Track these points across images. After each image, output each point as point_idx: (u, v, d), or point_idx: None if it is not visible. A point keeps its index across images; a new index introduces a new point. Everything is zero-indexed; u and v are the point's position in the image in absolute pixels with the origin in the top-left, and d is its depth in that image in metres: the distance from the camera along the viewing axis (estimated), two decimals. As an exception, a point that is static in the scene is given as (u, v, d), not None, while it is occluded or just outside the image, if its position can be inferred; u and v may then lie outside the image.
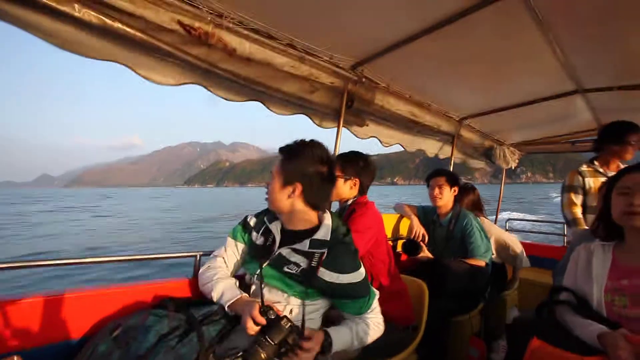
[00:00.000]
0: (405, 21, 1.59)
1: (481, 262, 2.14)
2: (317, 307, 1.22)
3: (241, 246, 1.34)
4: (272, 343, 0.93)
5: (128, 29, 1.24)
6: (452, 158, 3.25)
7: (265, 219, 1.32)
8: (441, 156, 3.29)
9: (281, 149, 1.24)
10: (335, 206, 1.85)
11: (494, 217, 4.22)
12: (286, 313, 1.14)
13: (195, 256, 1.42)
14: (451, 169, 3.22)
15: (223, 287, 1.19)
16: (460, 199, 2.60)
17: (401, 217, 2.53)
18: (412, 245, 2.21)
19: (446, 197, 2.29)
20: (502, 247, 2.59)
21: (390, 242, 2.22)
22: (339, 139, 2.09)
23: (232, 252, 1.34)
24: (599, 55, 1.92)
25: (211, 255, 1.36)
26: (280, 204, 1.22)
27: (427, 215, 2.47)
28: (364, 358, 1.45)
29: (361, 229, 1.59)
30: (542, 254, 3.38)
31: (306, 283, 1.15)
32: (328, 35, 1.69)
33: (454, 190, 2.31)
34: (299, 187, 1.20)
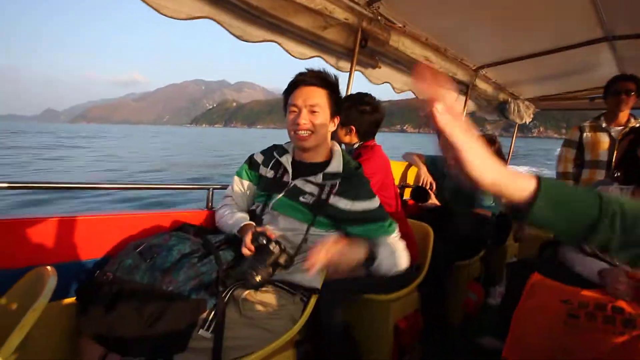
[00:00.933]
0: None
1: (487, 212, 2.16)
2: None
3: (247, 183, 1.37)
4: (264, 266, 0.99)
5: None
6: (465, 110, 3.17)
7: (274, 153, 1.32)
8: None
9: (326, 82, 1.20)
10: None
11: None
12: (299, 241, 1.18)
13: (209, 189, 1.45)
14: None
15: (235, 218, 1.26)
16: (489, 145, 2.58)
17: (409, 165, 2.53)
18: (420, 192, 2.22)
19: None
20: None
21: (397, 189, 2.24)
22: (352, 81, 2.02)
23: (239, 190, 1.37)
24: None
25: (222, 196, 1.41)
26: (324, 137, 1.23)
27: (437, 165, 2.45)
28: (369, 291, 1.52)
29: (367, 173, 1.59)
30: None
31: (315, 211, 1.18)
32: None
33: None
34: (337, 119, 1.27)
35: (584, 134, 2.43)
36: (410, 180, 2.53)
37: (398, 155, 2.58)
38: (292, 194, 1.21)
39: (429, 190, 2.20)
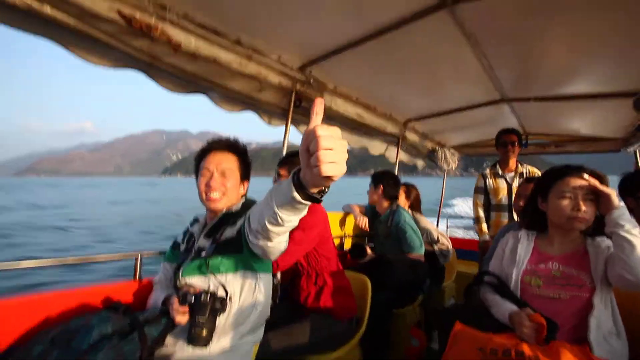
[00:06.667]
0: (349, 26, 1.67)
1: (419, 256, 2.28)
2: (248, 278, 1.18)
3: (171, 265, 1.35)
4: (205, 318, 1.02)
5: (60, 16, 1.17)
6: (398, 158, 3.43)
7: (188, 227, 1.37)
8: (387, 156, 3.45)
9: (236, 149, 1.29)
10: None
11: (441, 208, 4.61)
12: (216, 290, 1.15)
13: (137, 256, 1.39)
14: (397, 169, 3.40)
15: (160, 295, 1.24)
16: (406, 196, 2.78)
17: (345, 216, 2.63)
18: (358, 250, 2.32)
19: (371, 197, 2.47)
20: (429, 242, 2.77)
21: (336, 241, 2.31)
22: (287, 138, 2.12)
23: (164, 274, 1.36)
24: (518, 70, 2.15)
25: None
26: (235, 200, 1.26)
27: (373, 211, 2.60)
28: (307, 351, 1.49)
29: (307, 227, 1.63)
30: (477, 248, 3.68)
31: (208, 258, 1.17)
32: (276, 35, 1.71)
33: (379, 189, 2.44)
34: (247, 184, 1.32)
35: (487, 181, 2.79)
36: (348, 229, 2.63)
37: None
38: (196, 256, 1.20)
39: (367, 247, 2.30)
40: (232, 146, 1.28)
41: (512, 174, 2.72)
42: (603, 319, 1.17)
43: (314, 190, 0.70)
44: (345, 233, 2.61)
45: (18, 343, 1.06)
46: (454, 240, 3.83)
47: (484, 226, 2.78)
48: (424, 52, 1.92)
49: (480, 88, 2.42)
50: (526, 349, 1.02)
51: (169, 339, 1.09)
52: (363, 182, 2.56)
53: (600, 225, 1.26)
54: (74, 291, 1.22)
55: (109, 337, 0.97)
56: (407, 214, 2.38)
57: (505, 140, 2.68)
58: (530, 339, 1.08)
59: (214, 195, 1.20)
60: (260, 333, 1.23)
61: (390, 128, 3.05)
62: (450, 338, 1.21)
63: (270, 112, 2.16)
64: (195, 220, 1.36)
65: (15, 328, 1.07)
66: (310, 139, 0.58)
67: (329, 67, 2.05)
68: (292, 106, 2.05)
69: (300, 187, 0.70)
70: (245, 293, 1.16)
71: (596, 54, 1.87)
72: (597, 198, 1.22)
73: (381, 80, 2.33)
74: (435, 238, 2.71)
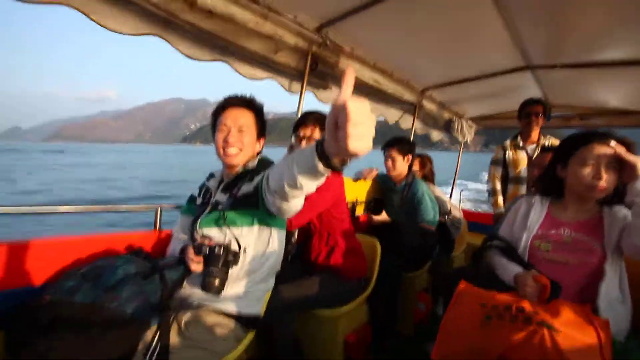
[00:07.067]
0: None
1: (431, 227, 2.29)
2: (262, 232, 1.23)
3: (188, 218, 1.38)
4: (217, 269, 1.08)
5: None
6: (414, 128, 3.37)
7: (205, 181, 1.41)
8: (402, 125, 3.39)
9: (253, 105, 1.30)
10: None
11: (458, 182, 4.57)
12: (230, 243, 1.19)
13: (157, 209, 1.46)
14: (411, 138, 3.35)
15: (180, 246, 1.28)
16: (421, 167, 2.77)
17: (358, 181, 2.66)
18: (376, 204, 2.34)
19: (399, 167, 2.39)
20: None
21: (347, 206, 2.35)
22: (302, 101, 2.12)
23: (181, 226, 1.41)
24: (547, 34, 2.04)
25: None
26: (250, 155, 1.30)
27: (387, 180, 2.60)
28: (315, 304, 1.57)
29: (323, 188, 1.65)
30: (490, 222, 3.67)
31: (224, 211, 1.21)
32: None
33: (407, 159, 2.39)
34: (263, 140, 1.36)
35: (507, 153, 2.72)
36: (361, 195, 2.65)
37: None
38: (213, 209, 1.25)
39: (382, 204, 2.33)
40: (248, 103, 1.29)
41: (534, 145, 2.64)
42: (611, 286, 1.18)
43: (336, 161, 0.71)
44: (357, 199, 2.64)
45: (51, 279, 1.16)
46: (467, 212, 3.83)
47: (500, 199, 2.74)
48: (446, 14, 1.84)
49: (505, 54, 2.32)
50: (527, 305, 1.05)
51: (186, 284, 1.18)
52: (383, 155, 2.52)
53: (618, 194, 1.23)
54: (99, 237, 1.30)
55: (133, 276, 1.05)
56: (425, 185, 2.38)
57: (530, 111, 2.57)
58: (532, 298, 1.11)
59: (232, 150, 1.23)
60: (271, 282, 1.30)
61: (407, 96, 2.98)
62: (454, 296, 1.24)
63: (289, 76, 2.13)
64: (212, 175, 1.40)
65: (48, 266, 1.17)
66: (339, 111, 0.57)
67: (346, 29, 1.99)
68: (308, 69, 2.02)
69: (323, 156, 0.71)
70: (259, 245, 1.22)
71: (633, 17, 1.74)
72: (622, 166, 1.18)
73: (400, 44, 2.26)
74: (448, 209, 2.72)
